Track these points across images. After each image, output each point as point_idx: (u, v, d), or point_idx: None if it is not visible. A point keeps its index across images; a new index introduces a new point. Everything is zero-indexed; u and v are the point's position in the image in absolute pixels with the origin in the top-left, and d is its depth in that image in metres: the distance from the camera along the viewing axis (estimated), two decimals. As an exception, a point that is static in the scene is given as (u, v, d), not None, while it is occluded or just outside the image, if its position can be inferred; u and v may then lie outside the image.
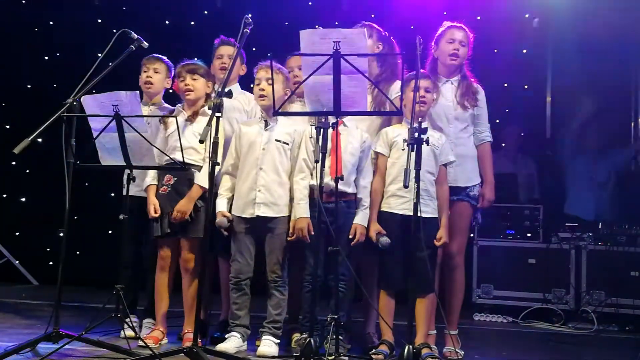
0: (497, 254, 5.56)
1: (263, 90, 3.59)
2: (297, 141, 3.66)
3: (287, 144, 3.63)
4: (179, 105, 3.86)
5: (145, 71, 4.03)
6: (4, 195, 6.51)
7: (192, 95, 3.71)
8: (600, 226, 5.53)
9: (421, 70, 3.48)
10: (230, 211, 3.63)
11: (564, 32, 6.07)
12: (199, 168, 3.60)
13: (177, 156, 3.46)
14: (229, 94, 3.97)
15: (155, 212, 3.61)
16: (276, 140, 3.60)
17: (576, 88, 6.02)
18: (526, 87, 6.36)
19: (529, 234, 5.57)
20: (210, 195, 3.27)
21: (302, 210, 3.53)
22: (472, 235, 5.35)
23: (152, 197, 3.67)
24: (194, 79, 3.71)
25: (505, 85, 6.15)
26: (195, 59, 3.88)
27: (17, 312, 4.56)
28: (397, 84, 3.79)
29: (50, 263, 6.16)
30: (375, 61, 3.87)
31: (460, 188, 3.81)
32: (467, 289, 4.64)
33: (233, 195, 3.67)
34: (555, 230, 5.52)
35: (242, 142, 3.65)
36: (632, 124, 6.43)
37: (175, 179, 3.64)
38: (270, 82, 3.49)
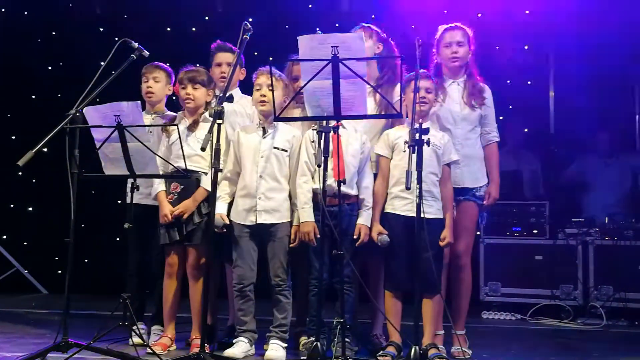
0: (504, 251, 5.55)
1: (264, 96, 3.60)
2: (296, 147, 3.66)
3: (286, 150, 3.63)
4: (180, 112, 3.87)
5: (145, 81, 4.05)
6: (12, 206, 6.56)
7: (192, 104, 3.74)
8: (606, 221, 5.51)
9: (421, 71, 3.48)
10: (229, 216, 3.64)
11: (565, 26, 6.05)
12: (206, 174, 3.62)
13: (182, 164, 3.48)
14: (230, 99, 3.99)
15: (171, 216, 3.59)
16: (275, 147, 3.61)
17: (579, 82, 5.99)
18: (529, 82, 6.35)
19: (535, 231, 5.55)
20: (213, 201, 3.29)
21: (307, 214, 3.53)
22: (478, 233, 5.34)
23: (166, 203, 3.65)
24: (195, 88, 3.72)
25: (508, 82, 6.13)
26: (197, 65, 3.89)
27: (26, 321, 4.60)
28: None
29: (59, 272, 6.20)
30: (376, 63, 3.87)
31: (467, 189, 3.80)
32: (475, 287, 4.64)
33: (232, 201, 3.68)
34: (562, 226, 5.51)
35: (241, 150, 3.66)
36: (637, 117, 6.41)
37: (182, 186, 3.66)
38: (271, 88, 3.51)
